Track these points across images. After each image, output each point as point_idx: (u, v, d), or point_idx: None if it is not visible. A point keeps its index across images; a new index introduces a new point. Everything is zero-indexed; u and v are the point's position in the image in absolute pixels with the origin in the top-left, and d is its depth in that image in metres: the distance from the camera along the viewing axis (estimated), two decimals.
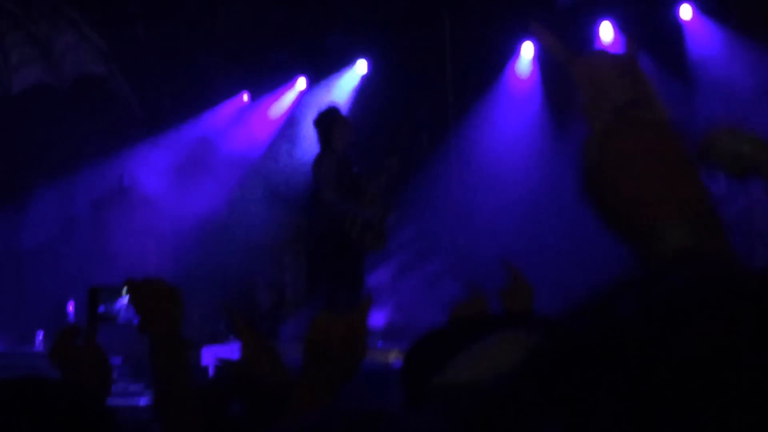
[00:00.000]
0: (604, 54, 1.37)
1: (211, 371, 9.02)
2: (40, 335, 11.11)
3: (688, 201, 1.09)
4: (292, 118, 13.13)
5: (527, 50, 12.15)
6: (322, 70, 13.05)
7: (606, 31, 11.73)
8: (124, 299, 2.47)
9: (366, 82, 12.83)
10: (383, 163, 9.69)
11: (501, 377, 0.70)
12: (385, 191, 9.77)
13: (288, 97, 13.34)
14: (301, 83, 13.29)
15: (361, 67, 12.90)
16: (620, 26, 11.60)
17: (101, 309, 2.54)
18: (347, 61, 12.95)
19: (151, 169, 12.86)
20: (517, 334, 1.20)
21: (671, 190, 1.09)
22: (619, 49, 1.30)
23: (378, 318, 10.80)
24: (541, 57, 11.99)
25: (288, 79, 13.31)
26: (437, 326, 1.62)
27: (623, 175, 1.13)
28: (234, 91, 13.57)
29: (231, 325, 2.15)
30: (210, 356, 9.32)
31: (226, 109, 13.62)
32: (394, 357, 9.18)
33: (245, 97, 13.65)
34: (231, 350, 9.15)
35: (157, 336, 2.31)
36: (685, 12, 11.52)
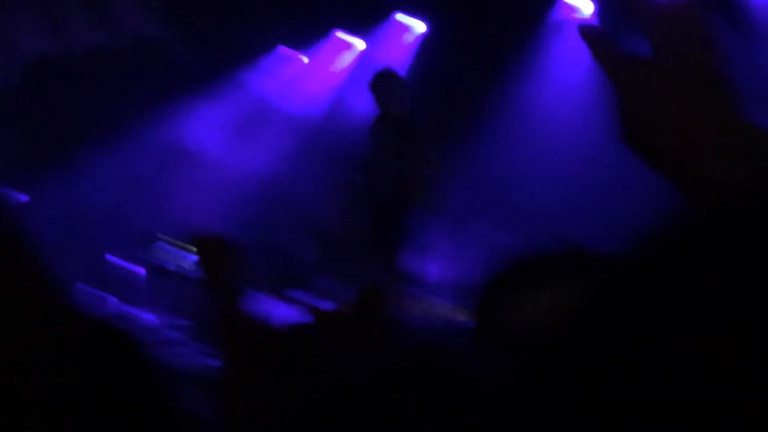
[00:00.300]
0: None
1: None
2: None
3: (726, 134, 1.06)
4: (350, 78, 13.16)
5: (587, 8, 12.08)
6: (378, 31, 13.03)
7: None
8: (193, 257, 2.54)
9: (424, 41, 12.83)
10: (445, 126, 9.74)
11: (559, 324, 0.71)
12: (443, 150, 9.83)
13: (346, 57, 13.35)
14: (360, 43, 13.29)
15: (419, 26, 12.87)
16: None
17: (169, 264, 2.62)
18: (402, 20, 12.92)
19: (210, 128, 12.94)
20: (578, 278, 1.25)
21: (708, 126, 1.07)
22: None
23: (433, 272, 10.93)
24: (601, 16, 11.93)
25: (344, 40, 13.30)
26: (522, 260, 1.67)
27: (660, 113, 1.12)
28: (291, 50, 13.57)
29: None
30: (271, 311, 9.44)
31: (285, 69, 13.64)
32: (461, 314, 9.30)
33: (304, 58, 13.65)
34: (277, 304, 9.29)
35: (225, 293, 2.37)
36: None
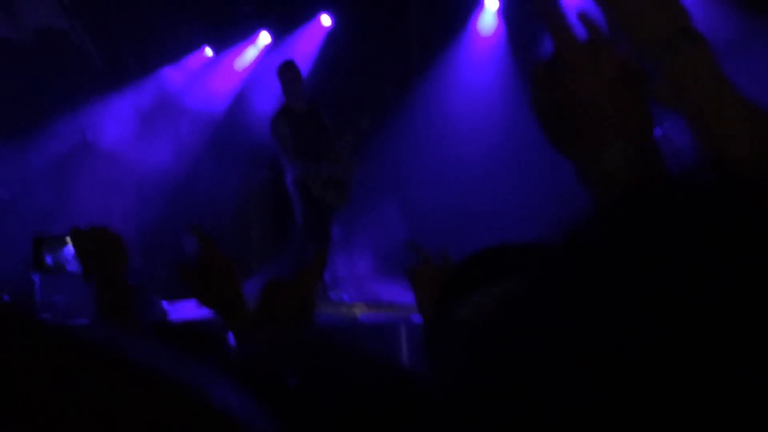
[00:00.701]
0: None
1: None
2: (4, 298, 11.05)
3: (631, 123, 1.13)
4: (255, 72, 13.05)
5: (491, 2, 12.09)
6: (285, 24, 12.94)
7: None
8: (71, 248, 2.50)
9: (330, 35, 12.75)
10: (352, 120, 9.66)
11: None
12: (353, 148, 9.75)
13: (251, 52, 13.23)
14: (265, 37, 13.19)
15: (325, 20, 12.80)
16: None
17: (48, 259, 2.58)
18: (311, 15, 12.85)
19: (114, 123, 12.76)
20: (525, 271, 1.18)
21: (617, 112, 1.14)
22: None
23: (341, 270, 10.83)
24: (505, 9, 11.93)
25: (251, 33, 13.20)
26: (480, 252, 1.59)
27: (571, 94, 1.18)
28: (197, 44, 13.46)
29: (199, 244, 2.12)
30: (175, 312, 9.32)
31: (189, 64, 13.51)
32: (359, 311, 9.23)
33: (208, 51, 13.53)
34: (194, 305, 9.12)
35: (101, 282, 2.32)
36: None
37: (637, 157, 1.10)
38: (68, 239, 2.50)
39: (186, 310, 9.18)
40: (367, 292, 10.33)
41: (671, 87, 1.20)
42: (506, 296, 0.73)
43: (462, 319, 1.14)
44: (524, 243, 1.54)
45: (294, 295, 2.04)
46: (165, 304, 9.63)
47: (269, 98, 11.11)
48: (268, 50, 13.07)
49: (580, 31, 1.31)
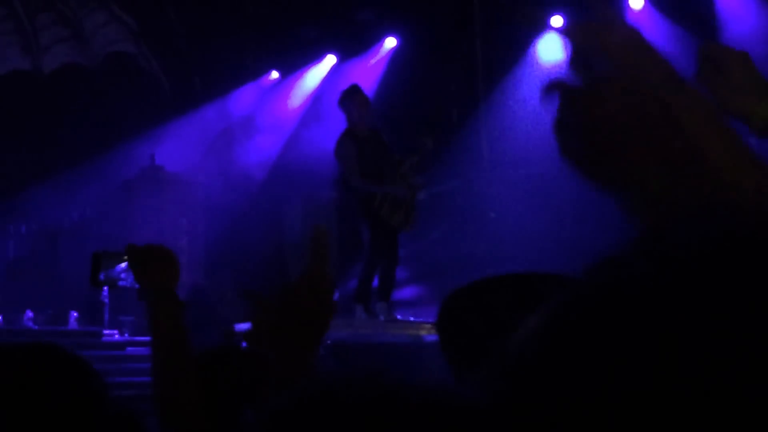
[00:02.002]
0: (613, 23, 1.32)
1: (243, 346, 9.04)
2: (73, 315, 11.20)
3: (667, 149, 1.06)
4: (321, 95, 13.12)
5: (557, 23, 12.06)
6: (351, 47, 13.01)
7: (636, 1, 11.68)
8: (124, 264, 2.54)
9: (395, 58, 12.79)
10: (417, 142, 9.64)
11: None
12: (417, 169, 9.73)
13: (317, 75, 13.32)
14: (330, 60, 13.27)
15: (390, 42, 12.85)
16: None
17: (101, 275, 2.61)
18: (376, 38, 12.91)
19: (181, 147, 12.89)
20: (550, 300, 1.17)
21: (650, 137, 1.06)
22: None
23: (407, 290, 10.83)
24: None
25: (317, 57, 13.29)
26: (479, 283, 1.56)
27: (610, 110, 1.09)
28: (263, 68, 13.57)
29: (247, 301, 2.12)
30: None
31: (256, 87, 13.63)
32: (425, 331, 9.20)
33: (274, 74, 13.64)
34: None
35: (153, 296, 2.36)
36: None
37: (682, 178, 1.05)
38: (121, 255, 2.54)
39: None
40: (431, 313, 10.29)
41: None
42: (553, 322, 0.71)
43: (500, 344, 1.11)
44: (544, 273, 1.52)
45: (312, 286, 2.03)
46: (237, 326, 9.64)
47: (334, 120, 11.17)
48: (334, 73, 13.14)
49: None
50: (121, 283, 2.59)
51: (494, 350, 1.23)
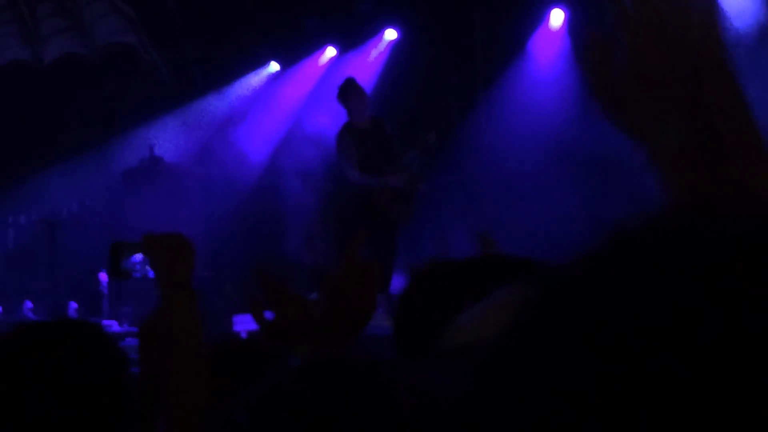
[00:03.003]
0: None
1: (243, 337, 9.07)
2: (73, 306, 11.19)
3: (688, 105, 1.09)
4: (320, 87, 13.11)
5: (556, 16, 12.06)
6: (351, 39, 13.00)
7: None
8: (139, 256, 2.52)
9: (395, 50, 12.78)
10: (419, 135, 9.63)
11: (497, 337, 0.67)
12: (419, 162, 9.74)
13: (317, 66, 13.31)
14: (330, 52, 13.26)
15: (390, 34, 12.85)
16: None
17: (123, 263, 2.59)
18: (376, 30, 12.90)
19: (181, 138, 12.90)
20: (526, 288, 1.16)
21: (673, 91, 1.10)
22: None
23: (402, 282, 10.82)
24: (570, 22, 11.89)
25: (317, 48, 13.28)
26: (434, 265, 1.55)
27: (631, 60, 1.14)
28: (263, 59, 13.56)
29: (262, 289, 2.14)
30: (242, 324, 9.35)
31: (255, 78, 13.62)
32: None
33: (274, 65, 13.64)
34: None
35: (168, 287, 2.35)
36: None
37: (703, 135, 1.07)
38: (138, 245, 2.51)
39: (251, 322, 9.22)
40: None
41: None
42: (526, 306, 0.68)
43: (454, 346, 1.08)
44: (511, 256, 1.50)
45: (361, 279, 2.04)
46: (236, 317, 9.66)
47: (333, 112, 11.17)
48: (334, 64, 13.14)
49: None
50: (135, 274, 2.58)
51: (438, 332, 1.23)
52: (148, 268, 2.48)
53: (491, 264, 1.47)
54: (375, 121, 9.59)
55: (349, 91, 9.59)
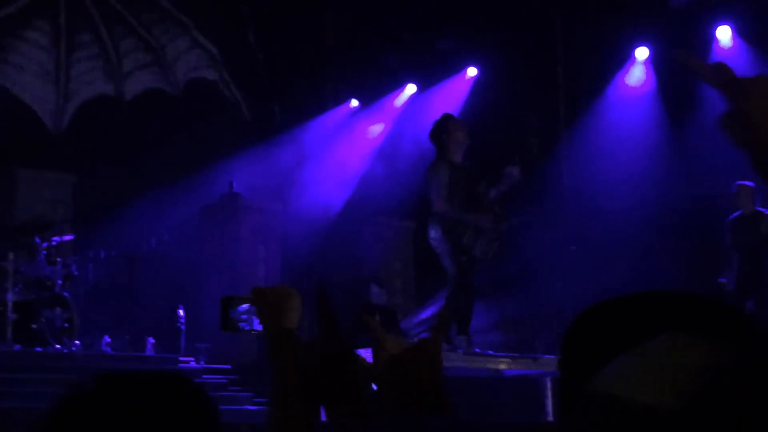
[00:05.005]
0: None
1: None
2: (150, 341, 11.20)
3: None
4: (400, 123, 13.07)
5: (641, 54, 11.89)
6: (431, 76, 12.96)
7: (723, 35, 11.43)
8: (244, 307, 2.53)
9: (476, 87, 12.71)
10: (503, 171, 9.46)
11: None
12: (502, 199, 9.57)
13: (397, 103, 13.28)
14: (411, 89, 13.23)
15: (471, 72, 12.78)
16: (739, 30, 11.29)
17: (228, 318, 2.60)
18: (457, 67, 12.84)
19: (260, 175, 12.90)
20: (692, 339, 1.05)
21: None
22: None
23: (483, 322, 10.68)
24: (655, 61, 11.72)
25: (398, 85, 13.25)
26: (606, 301, 1.48)
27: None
28: (343, 97, 13.57)
29: (363, 326, 2.07)
30: None
31: (336, 115, 13.63)
32: (504, 365, 9.05)
33: (354, 102, 13.63)
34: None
35: (274, 336, 2.33)
36: None
37: None
38: (245, 299, 2.52)
39: None
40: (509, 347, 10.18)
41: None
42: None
43: (607, 395, 1.01)
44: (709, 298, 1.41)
45: (418, 356, 1.96)
46: None
47: (412, 150, 11.11)
48: (414, 101, 13.10)
49: None
50: (241, 324, 2.57)
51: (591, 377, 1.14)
52: (254, 318, 2.48)
53: (654, 303, 1.38)
54: (465, 160, 9.46)
55: (449, 125, 9.42)
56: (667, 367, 0.96)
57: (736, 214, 9.63)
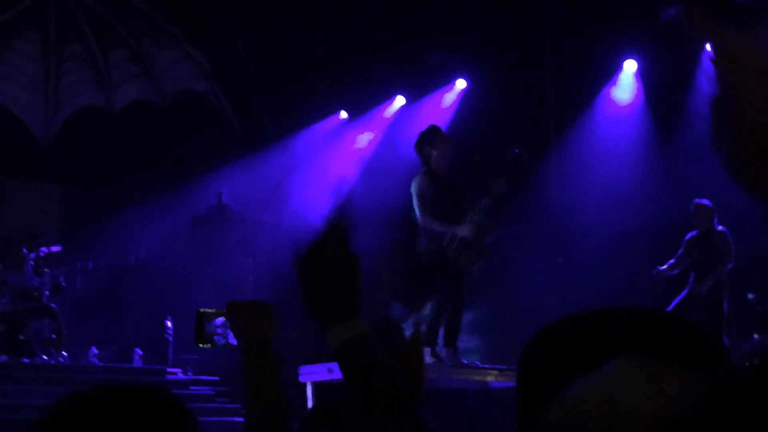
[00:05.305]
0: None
1: (308, 390, 8.96)
2: (138, 352, 11.18)
3: None
4: (388, 135, 13.07)
5: (629, 67, 11.92)
6: (420, 88, 12.97)
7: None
8: (220, 321, 2.55)
9: (465, 99, 12.72)
10: (490, 184, 9.46)
11: None
12: (488, 212, 9.58)
13: (386, 115, 13.29)
14: (400, 101, 13.23)
15: (460, 84, 12.80)
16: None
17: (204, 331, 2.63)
18: (446, 79, 12.85)
19: (249, 187, 12.89)
20: (643, 362, 1.05)
21: None
22: None
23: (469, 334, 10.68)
24: (644, 74, 11.75)
25: (386, 97, 13.26)
26: (556, 321, 1.46)
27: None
28: (332, 109, 13.57)
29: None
30: (308, 375, 9.24)
31: (324, 127, 13.63)
32: (493, 377, 9.05)
33: (343, 114, 13.64)
34: (325, 369, 9.09)
35: (248, 348, 2.34)
36: None
37: None
38: (220, 312, 2.55)
39: (317, 373, 9.14)
40: (499, 357, 10.17)
41: None
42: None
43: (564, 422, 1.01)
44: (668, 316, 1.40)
45: (402, 364, 1.98)
46: (302, 368, 9.52)
47: (400, 161, 11.09)
48: (403, 113, 13.11)
49: None
50: (216, 338, 2.59)
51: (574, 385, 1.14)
52: (229, 332, 2.50)
53: (620, 315, 1.37)
54: (449, 172, 9.43)
55: (435, 137, 9.39)
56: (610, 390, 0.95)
57: (692, 233, 9.74)
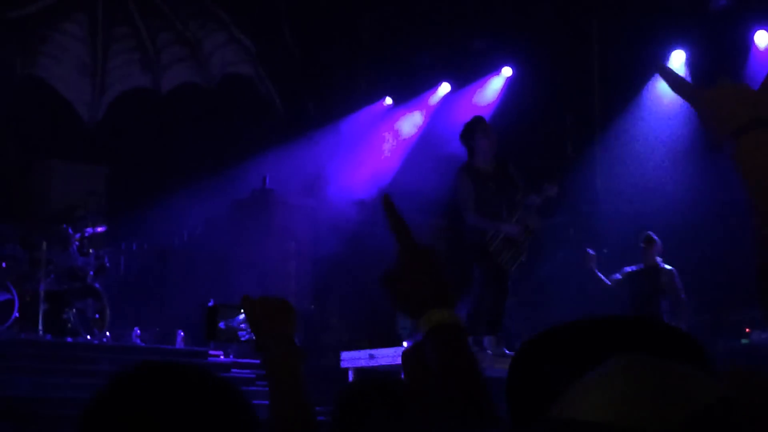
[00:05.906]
0: (727, 85, 1.43)
1: (350, 376, 8.98)
2: (180, 334, 11.24)
3: None
4: (433, 122, 13.04)
5: (677, 58, 11.80)
6: (466, 75, 12.92)
7: (762, 38, 11.33)
8: (241, 317, 2.53)
9: (511, 87, 12.66)
10: (542, 185, 9.32)
11: None
12: (536, 213, 9.44)
13: (431, 102, 13.25)
14: (445, 87, 13.19)
15: (506, 71, 12.74)
16: None
17: (222, 325, 2.60)
18: (492, 66, 12.79)
19: (294, 171, 12.91)
20: (642, 359, 1.04)
21: None
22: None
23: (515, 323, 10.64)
24: (692, 65, 11.63)
25: (432, 84, 13.22)
26: (556, 326, 1.47)
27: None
28: (377, 94, 13.55)
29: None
30: (349, 361, 9.27)
31: (369, 112, 13.62)
32: None
33: (388, 100, 13.62)
34: (367, 356, 9.11)
35: (271, 347, 2.31)
36: None
37: None
38: (235, 307, 2.53)
39: (358, 359, 9.16)
40: None
41: (738, 164, 1.35)
42: None
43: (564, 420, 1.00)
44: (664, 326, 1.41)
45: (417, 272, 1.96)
46: (343, 354, 9.52)
47: (446, 148, 11.06)
48: (447, 100, 13.07)
49: None
50: (240, 333, 2.56)
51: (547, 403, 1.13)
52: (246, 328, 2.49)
53: (606, 327, 1.37)
54: (498, 162, 9.29)
55: (477, 129, 9.25)
56: (645, 391, 0.94)
57: (633, 268, 9.77)
